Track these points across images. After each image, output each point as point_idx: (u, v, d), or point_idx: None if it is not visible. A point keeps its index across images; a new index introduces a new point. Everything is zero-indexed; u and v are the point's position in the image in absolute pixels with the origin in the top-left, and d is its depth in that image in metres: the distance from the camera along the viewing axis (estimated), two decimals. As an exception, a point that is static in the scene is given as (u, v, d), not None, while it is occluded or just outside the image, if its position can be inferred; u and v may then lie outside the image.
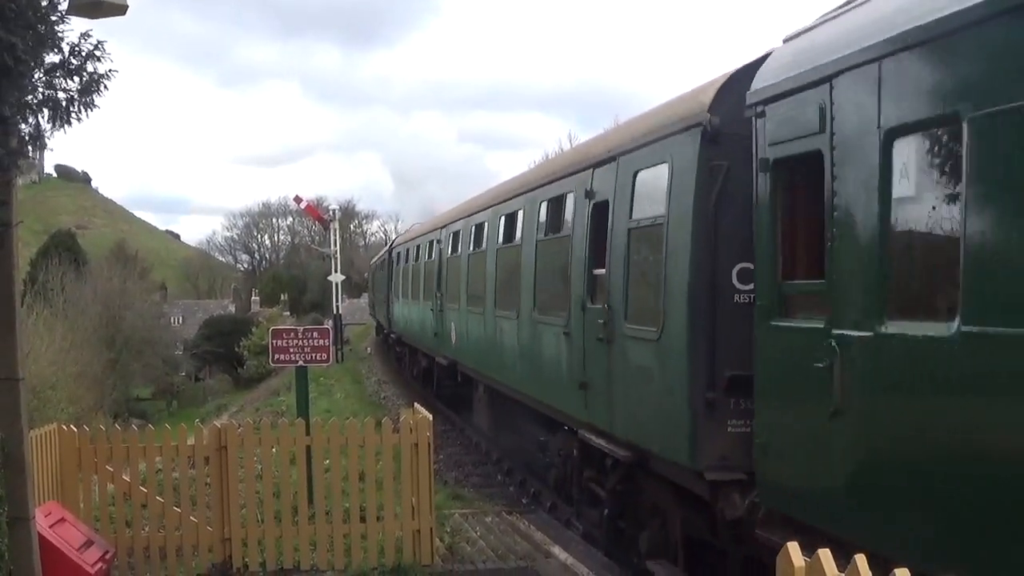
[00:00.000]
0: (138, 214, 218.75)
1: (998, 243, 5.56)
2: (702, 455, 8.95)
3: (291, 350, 13.30)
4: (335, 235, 52.47)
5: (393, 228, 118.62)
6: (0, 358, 8.27)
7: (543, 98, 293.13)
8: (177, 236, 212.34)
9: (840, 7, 7.83)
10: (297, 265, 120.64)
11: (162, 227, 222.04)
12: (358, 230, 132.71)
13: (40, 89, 7.66)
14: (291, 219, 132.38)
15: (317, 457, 11.51)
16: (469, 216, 20.71)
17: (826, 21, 7.96)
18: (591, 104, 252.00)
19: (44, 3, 7.54)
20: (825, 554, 4.35)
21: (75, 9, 8.09)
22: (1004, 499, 5.53)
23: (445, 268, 23.37)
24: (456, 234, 21.88)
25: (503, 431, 19.66)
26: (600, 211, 11.74)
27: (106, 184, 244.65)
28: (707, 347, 9.00)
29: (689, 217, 9.15)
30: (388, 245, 45.17)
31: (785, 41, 8.59)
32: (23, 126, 7.71)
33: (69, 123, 7.84)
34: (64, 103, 7.78)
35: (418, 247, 28.99)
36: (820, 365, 7.10)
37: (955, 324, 5.78)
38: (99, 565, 9.66)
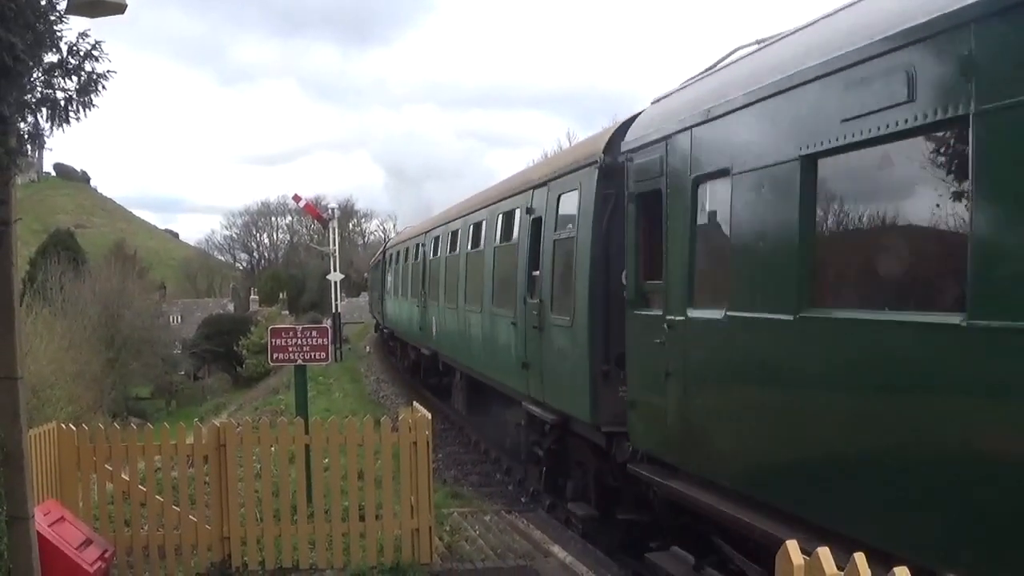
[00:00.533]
0: (137, 213, 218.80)
1: (748, 258, 8.43)
2: (600, 413, 11.98)
3: (290, 349, 13.32)
4: (334, 234, 52.42)
5: (392, 227, 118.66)
6: (-1, 357, 8.27)
7: (541, 97, 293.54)
8: (176, 235, 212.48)
9: (688, 80, 10.67)
10: (296, 264, 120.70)
11: (161, 226, 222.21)
12: (357, 229, 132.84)
13: (39, 88, 7.66)
14: (290, 218, 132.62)
15: (316, 456, 11.52)
16: (447, 223, 23.90)
17: (676, 92, 10.86)
18: (590, 103, 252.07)
19: (43, 2, 7.54)
20: (824, 553, 4.36)
21: (74, 8, 8.09)
22: (752, 424, 8.43)
23: (428, 269, 26.50)
24: (437, 239, 24.99)
25: (475, 411, 21.98)
26: (536, 224, 14.80)
27: (105, 183, 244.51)
28: (603, 331, 12.00)
29: (590, 233, 12.22)
30: (382, 247, 49.38)
31: (652, 103, 11.47)
32: (22, 125, 7.71)
33: (68, 122, 7.85)
34: (63, 102, 7.78)
35: (407, 249, 32.73)
36: (659, 341, 10.02)
37: (724, 311, 8.66)
38: (98, 564, 9.67)
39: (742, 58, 9.44)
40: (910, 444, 6.35)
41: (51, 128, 7.84)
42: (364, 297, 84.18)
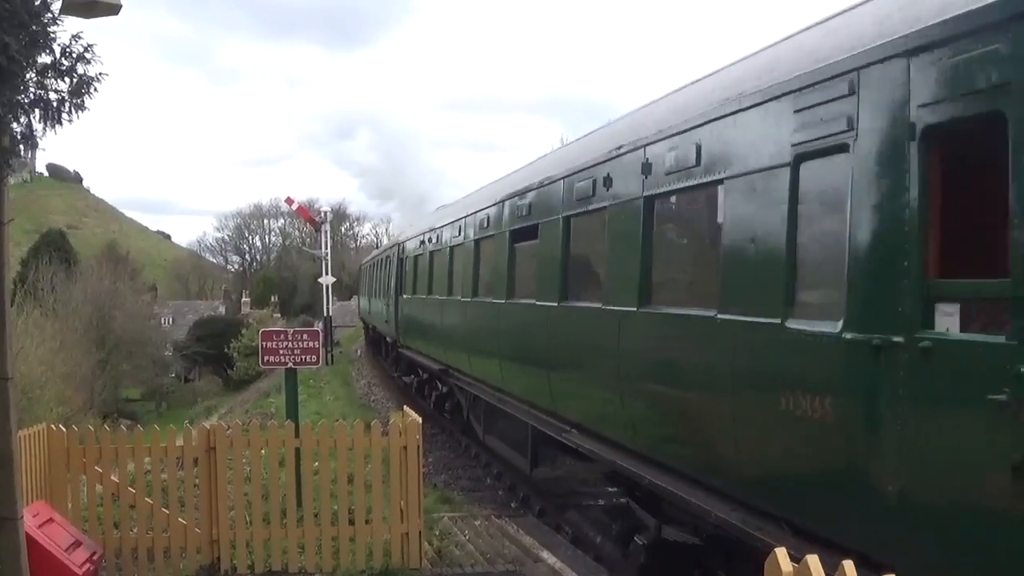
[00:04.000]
0: (129, 214, 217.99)
1: (411, 278, 28.20)
2: (399, 336, 30.34)
3: (281, 352, 13.29)
4: (326, 237, 52.43)
5: (384, 231, 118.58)
6: (-11, 358, 8.24)
7: (531, 102, 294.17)
8: (168, 237, 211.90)
9: (408, 228, 35.44)
10: (288, 267, 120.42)
11: (153, 227, 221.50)
12: (349, 232, 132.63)
13: (32, 89, 7.65)
14: (282, 221, 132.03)
15: (306, 459, 11.50)
16: (380, 254, 42.50)
17: (411, 228, 33.23)
18: (580, 108, 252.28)
19: (37, 2, 7.53)
20: (813, 560, 4.37)
21: (68, 9, 8.08)
22: (426, 332, 25.14)
23: (372, 279, 44.16)
24: (377, 262, 41.62)
25: (388, 354, 38.71)
26: (392, 262, 32.44)
27: (98, 184, 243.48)
28: (397, 306, 30.51)
29: (395, 268, 31.19)
30: (359, 263, 71.08)
31: (405, 239, 31.79)
32: (15, 125, 7.70)
33: (60, 123, 7.84)
34: (55, 104, 7.77)
35: (369, 266, 48.76)
36: (402, 305, 29.64)
37: (413, 295, 27.47)
38: (87, 566, 9.65)
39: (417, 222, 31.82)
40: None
41: (44, 129, 7.83)
42: (355, 301, 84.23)
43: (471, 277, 18.04)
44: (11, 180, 8.65)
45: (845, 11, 7.35)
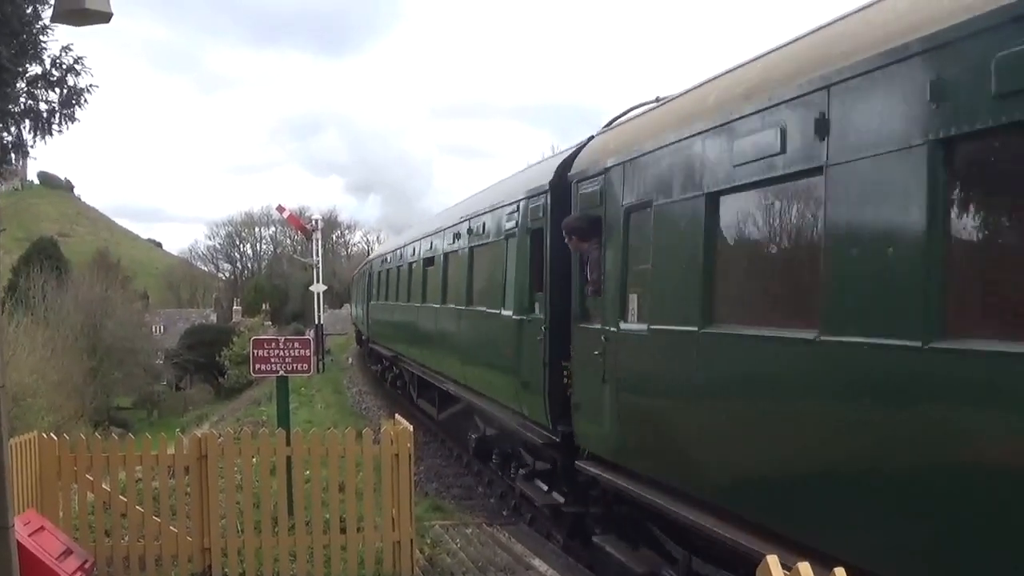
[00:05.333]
0: (120, 222, 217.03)
1: (381, 287, 35.81)
2: (369, 333, 40.20)
3: (272, 360, 13.27)
4: (317, 245, 52.32)
5: (375, 239, 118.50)
6: (-20, 366, 8.21)
7: (519, 108, 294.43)
8: (159, 245, 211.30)
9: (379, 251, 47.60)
10: (279, 275, 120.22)
11: (144, 235, 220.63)
12: (340, 240, 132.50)
13: (22, 99, 7.64)
14: (274, 229, 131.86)
15: (297, 467, 11.50)
16: (360, 271, 52.04)
17: (377, 252, 47.92)
18: (568, 115, 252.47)
19: (28, 11, 7.52)
20: (805, 567, 4.38)
21: (60, 17, 8.07)
22: (391, 329, 32.23)
23: (358, 289, 51.01)
24: (362, 273, 48.33)
25: (363, 344, 47.47)
26: (369, 275, 40.70)
27: (89, 192, 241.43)
28: (368, 310, 40.32)
29: (366, 280, 41.71)
30: (351, 272, 78.91)
31: (374, 257, 44.61)
32: (5, 135, 7.69)
33: (50, 134, 7.87)
34: (45, 114, 7.76)
35: (357, 277, 57.21)
36: (373, 310, 38.00)
37: (380, 300, 35.99)
38: (78, 574, 9.62)
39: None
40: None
41: (34, 139, 7.83)
42: (347, 309, 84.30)
43: (406, 287, 27.09)
44: (2, 188, 8.63)
45: (527, 168, 16.45)
